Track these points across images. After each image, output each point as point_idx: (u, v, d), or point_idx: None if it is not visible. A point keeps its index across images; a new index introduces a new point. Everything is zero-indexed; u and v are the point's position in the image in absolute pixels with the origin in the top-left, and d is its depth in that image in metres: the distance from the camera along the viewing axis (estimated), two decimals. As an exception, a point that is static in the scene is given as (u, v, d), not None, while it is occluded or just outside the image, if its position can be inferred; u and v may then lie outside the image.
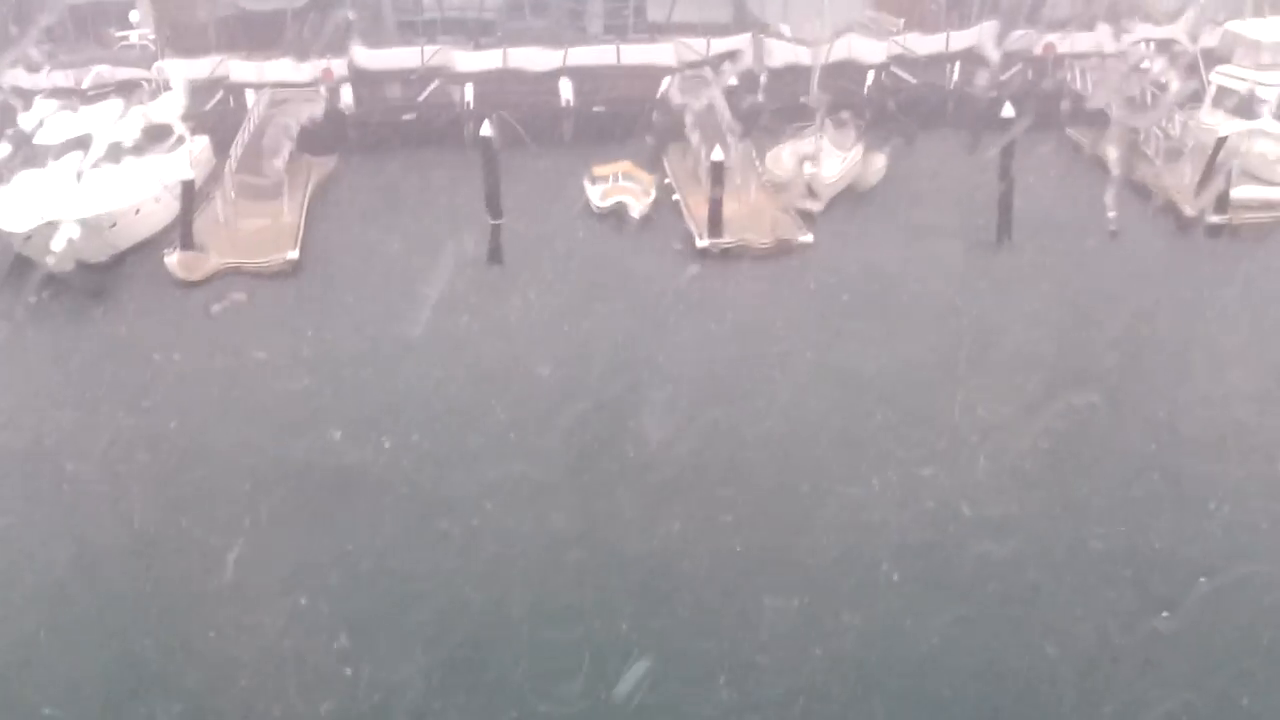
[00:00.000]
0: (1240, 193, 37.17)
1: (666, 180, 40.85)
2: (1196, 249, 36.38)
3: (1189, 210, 37.41)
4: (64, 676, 19.53)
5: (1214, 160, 37.10)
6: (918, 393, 27.35)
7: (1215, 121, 40.56)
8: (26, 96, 43.06)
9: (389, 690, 19.05)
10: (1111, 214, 36.90)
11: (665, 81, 46.12)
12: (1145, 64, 45.44)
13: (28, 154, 37.51)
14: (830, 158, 39.67)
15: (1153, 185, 39.30)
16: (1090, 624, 20.14)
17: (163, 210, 37.31)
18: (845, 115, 41.99)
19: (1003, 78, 46.70)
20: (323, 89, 45.32)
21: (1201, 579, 20.93)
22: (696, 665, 19.42)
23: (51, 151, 37.09)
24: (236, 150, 41.22)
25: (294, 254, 35.77)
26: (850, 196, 39.33)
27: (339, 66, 46.06)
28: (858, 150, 40.47)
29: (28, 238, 33.16)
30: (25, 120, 39.68)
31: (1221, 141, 37.26)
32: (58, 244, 33.34)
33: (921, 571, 21.48)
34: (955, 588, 21.03)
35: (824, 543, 22.25)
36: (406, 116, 45.87)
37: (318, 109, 44.96)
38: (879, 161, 40.82)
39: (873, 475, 24.14)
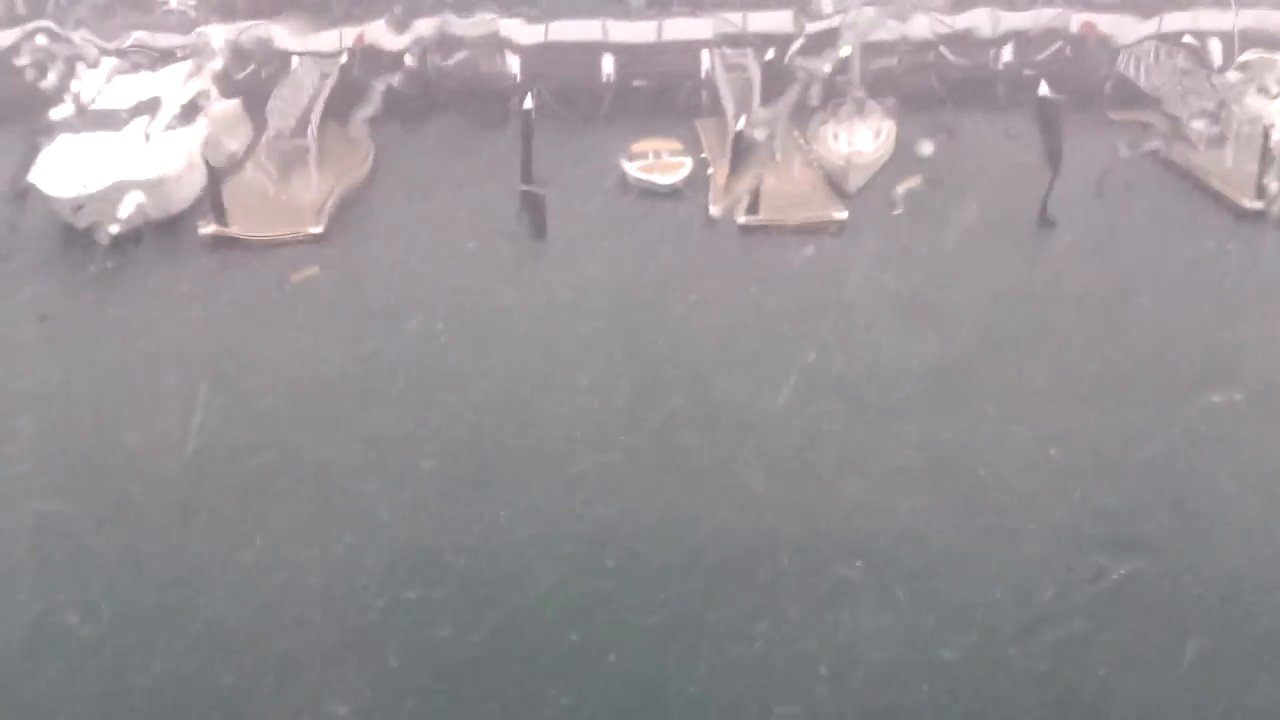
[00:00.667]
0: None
1: (703, 155, 40.58)
2: (1241, 236, 35.55)
3: (1241, 199, 36.56)
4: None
5: (1265, 147, 36.33)
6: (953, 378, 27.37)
7: (1258, 106, 39.81)
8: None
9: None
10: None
11: (704, 57, 45.85)
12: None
13: (92, 118, 37.54)
14: (863, 137, 39.34)
15: (1195, 171, 38.69)
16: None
17: (197, 179, 37.27)
18: (859, 94, 41.61)
19: (1040, 57, 45.89)
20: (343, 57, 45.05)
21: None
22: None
23: (112, 116, 37.24)
24: (271, 119, 41.03)
25: (319, 229, 35.74)
26: (886, 176, 38.73)
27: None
28: (890, 129, 40.06)
29: (78, 206, 33.26)
30: (86, 83, 39.78)
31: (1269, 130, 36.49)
32: (105, 212, 33.64)
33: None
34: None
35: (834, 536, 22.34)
36: (452, 88, 45.67)
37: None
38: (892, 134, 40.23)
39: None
